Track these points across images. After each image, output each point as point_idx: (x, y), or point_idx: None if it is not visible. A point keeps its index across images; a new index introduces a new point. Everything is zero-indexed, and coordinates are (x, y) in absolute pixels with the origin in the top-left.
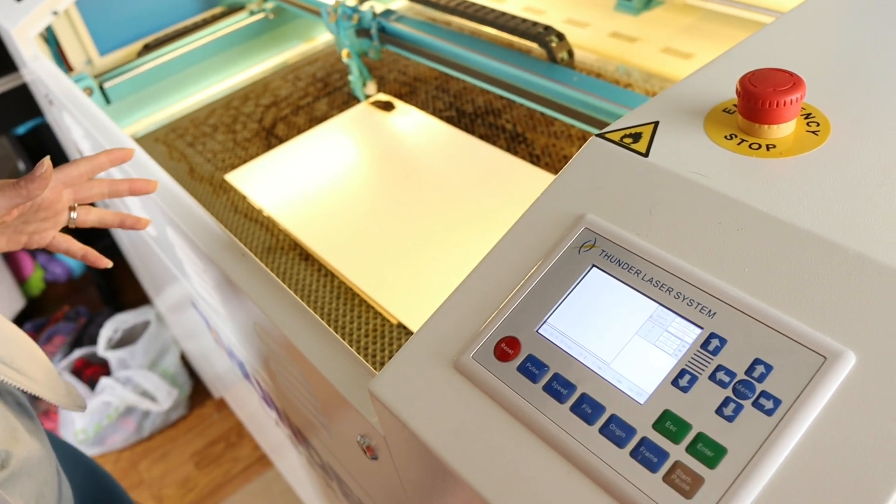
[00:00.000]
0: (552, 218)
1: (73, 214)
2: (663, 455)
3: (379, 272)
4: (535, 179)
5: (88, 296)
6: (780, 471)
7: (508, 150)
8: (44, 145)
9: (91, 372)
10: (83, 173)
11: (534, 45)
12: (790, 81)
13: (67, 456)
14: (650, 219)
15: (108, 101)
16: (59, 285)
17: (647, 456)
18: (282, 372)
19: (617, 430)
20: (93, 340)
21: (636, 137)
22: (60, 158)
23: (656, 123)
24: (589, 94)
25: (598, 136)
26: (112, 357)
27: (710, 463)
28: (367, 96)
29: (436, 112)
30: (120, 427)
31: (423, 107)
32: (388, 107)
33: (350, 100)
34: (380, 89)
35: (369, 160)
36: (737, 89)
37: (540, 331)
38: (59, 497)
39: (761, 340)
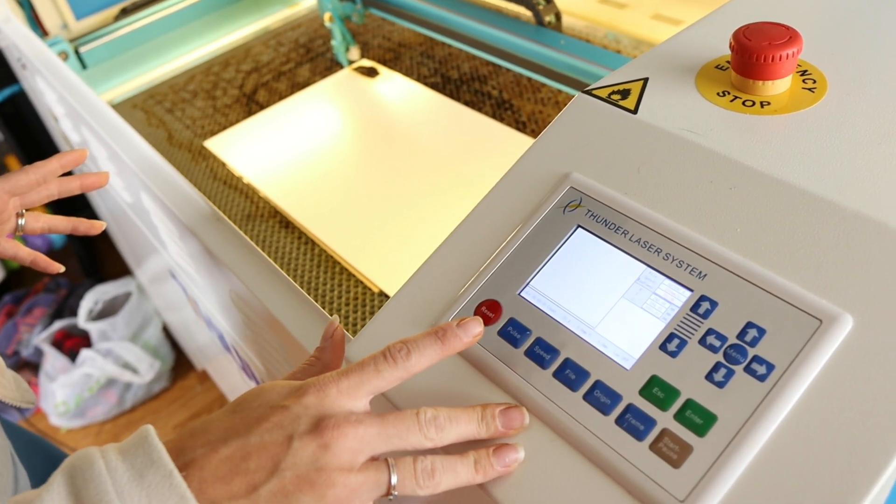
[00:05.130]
0: (536, 177)
1: (21, 221)
2: (650, 422)
3: (360, 240)
4: (520, 146)
5: (69, 267)
6: (773, 439)
7: (494, 116)
8: (21, 113)
9: (72, 344)
10: (31, 182)
11: (522, 12)
12: (786, 35)
13: (24, 443)
14: (638, 177)
15: (84, 66)
16: None
17: (634, 423)
18: (259, 341)
19: (602, 397)
20: (73, 312)
21: (625, 94)
22: (37, 126)
23: (646, 80)
24: (576, 58)
25: (584, 92)
26: (93, 329)
27: (700, 431)
28: (351, 62)
29: (420, 78)
30: (101, 399)
31: (407, 73)
32: (371, 73)
33: (333, 66)
34: (363, 55)
35: (352, 127)
36: (730, 44)
37: (522, 294)
38: (14, 487)
39: (754, 303)
